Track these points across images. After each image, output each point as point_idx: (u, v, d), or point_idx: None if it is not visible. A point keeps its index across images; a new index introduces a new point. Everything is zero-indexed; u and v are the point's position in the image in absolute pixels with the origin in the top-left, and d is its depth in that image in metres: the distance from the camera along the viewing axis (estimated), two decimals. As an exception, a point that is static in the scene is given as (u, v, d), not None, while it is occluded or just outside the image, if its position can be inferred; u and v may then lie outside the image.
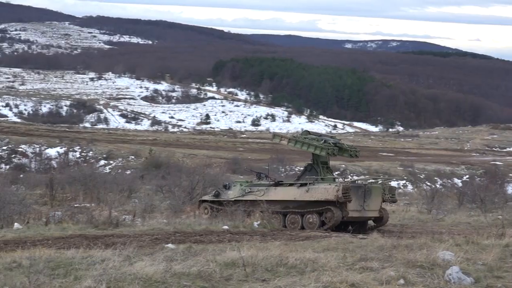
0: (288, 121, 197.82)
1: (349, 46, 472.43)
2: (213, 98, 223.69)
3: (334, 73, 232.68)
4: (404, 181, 64.48)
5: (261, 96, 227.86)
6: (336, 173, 61.31)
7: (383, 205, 26.01)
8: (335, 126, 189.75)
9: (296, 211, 25.24)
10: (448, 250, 14.51)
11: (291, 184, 26.55)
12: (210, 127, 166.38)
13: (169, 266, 12.85)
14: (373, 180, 28.59)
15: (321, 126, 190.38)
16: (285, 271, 12.90)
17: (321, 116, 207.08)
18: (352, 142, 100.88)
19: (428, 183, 63.07)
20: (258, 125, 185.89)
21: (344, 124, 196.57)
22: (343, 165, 65.67)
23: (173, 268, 12.73)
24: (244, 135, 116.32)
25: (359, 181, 27.77)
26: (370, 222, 26.65)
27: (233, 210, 24.48)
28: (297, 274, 12.54)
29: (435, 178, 66.32)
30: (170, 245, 16.92)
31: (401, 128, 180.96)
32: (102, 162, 66.12)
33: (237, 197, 26.89)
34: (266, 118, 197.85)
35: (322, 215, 24.68)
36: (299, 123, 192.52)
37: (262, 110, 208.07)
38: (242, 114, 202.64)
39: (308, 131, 29.33)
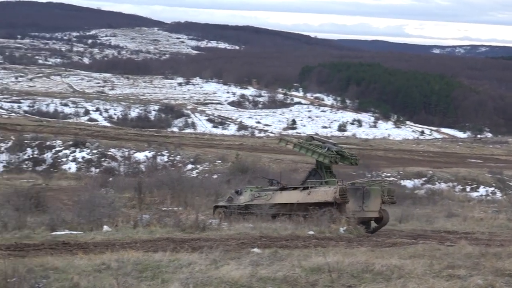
0: (375, 126, 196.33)
1: (437, 51, 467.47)
2: (299, 103, 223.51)
3: (421, 78, 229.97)
4: (492, 188, 63.25)
5: (348, 101, 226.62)
6: (423, 179, 60.74)
7: (383, 206, 26.52)
8: (422, 132, 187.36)
9: (299, 213, 26.15)
10: (538, 259, 14.26)
11: (295, 188, 27.77)
12: (296, 132, 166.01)
13: (255, 271, 12.93)
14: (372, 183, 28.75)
15: (408, 131, 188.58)
16: (371, 277, 12.86)
17: (408, 122, 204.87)
18: (439, 149, 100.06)
19: (518, 191, 61.77)
20: (345, 130, 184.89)
21: (431, 130, 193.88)
22: (430, 172, 64.89)
23: (259, 272, 12.81)
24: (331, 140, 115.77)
25: (358, 184, 28.02)
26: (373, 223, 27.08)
27: (319, 216, 24.66)
28: (383, 281, 12.49)
29: (525, 185, 64.88)
30: (256, 250, 16.99)
31: (489, 135, 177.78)
32: (189, 166, 66.51)
33: (247, 202, 28.18)
34: (352, 124, 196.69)
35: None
36: (385, 129, 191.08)
37: (348, 116, 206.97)
38: (329, 119, 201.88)
39: (312, 137, 30.86)
